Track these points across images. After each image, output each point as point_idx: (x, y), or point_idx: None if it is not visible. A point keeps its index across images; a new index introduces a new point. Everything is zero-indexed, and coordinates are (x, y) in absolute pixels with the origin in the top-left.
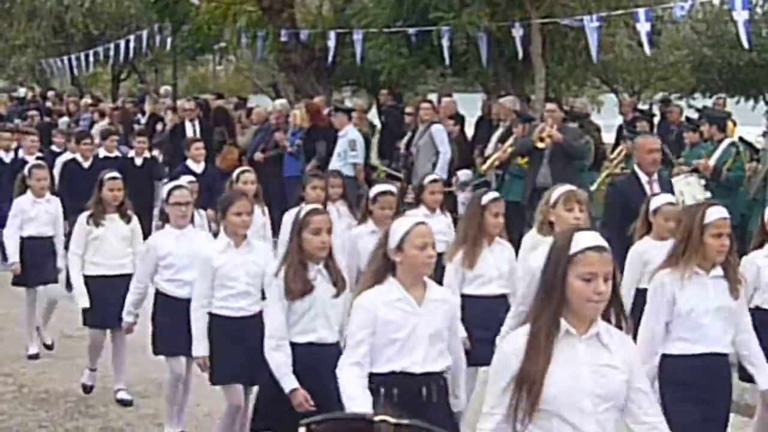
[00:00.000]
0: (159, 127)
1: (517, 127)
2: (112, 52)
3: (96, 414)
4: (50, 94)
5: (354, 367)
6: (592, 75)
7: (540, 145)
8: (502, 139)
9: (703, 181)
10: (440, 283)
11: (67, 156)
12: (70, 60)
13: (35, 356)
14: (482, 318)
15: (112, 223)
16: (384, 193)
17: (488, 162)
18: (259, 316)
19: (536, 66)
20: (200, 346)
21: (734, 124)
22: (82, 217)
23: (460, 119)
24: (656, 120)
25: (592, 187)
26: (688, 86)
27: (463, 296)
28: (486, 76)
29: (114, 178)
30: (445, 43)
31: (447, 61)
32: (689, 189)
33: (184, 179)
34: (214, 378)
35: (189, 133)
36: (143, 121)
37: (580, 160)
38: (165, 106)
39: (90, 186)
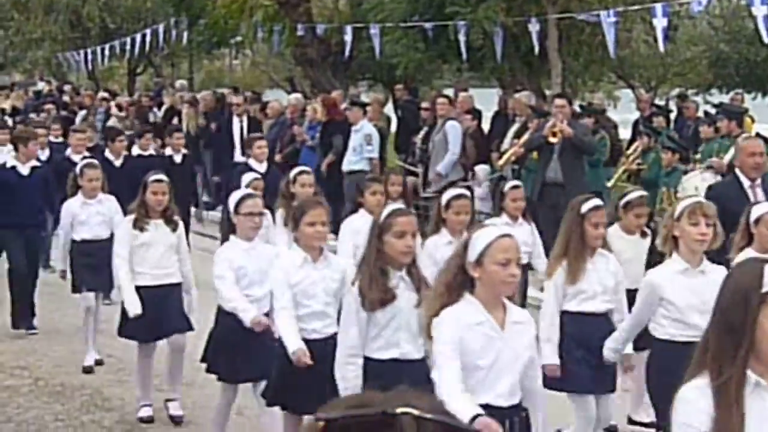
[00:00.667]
0: (175, 121)
1: (532, 122)
2: (128, 46)
3: (112, 407)
4: (67, 87)
5: (463, 392)
6: (609, 70)
7: (552, 140)
8: (518, 135)
9: (718, 177)
10: (524, 296)
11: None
12: (86, 54)
13: (90, 369)
14: (583, 338)
15: (157, 229)
16: (458, 197)
17: (504, 157)
18: (333, 338)
19: (552, 61)
20: (293, 341)
21: (752, 120)
22: (127, 221)
23: (477, 114)
24: (673, 116)
25: (609, 183)
26: (705, 82)
27: (563, 313)
28: (502, 71)
29: (158, 180)
30: (461, 37)
31: (463, 56)
32: (704, 184)
33: (248, 177)
34: (268, 397)
35: (236, 129)
36: (159, 114)
37: (590, 155)
38: (182, 100)
39: (122, 185)
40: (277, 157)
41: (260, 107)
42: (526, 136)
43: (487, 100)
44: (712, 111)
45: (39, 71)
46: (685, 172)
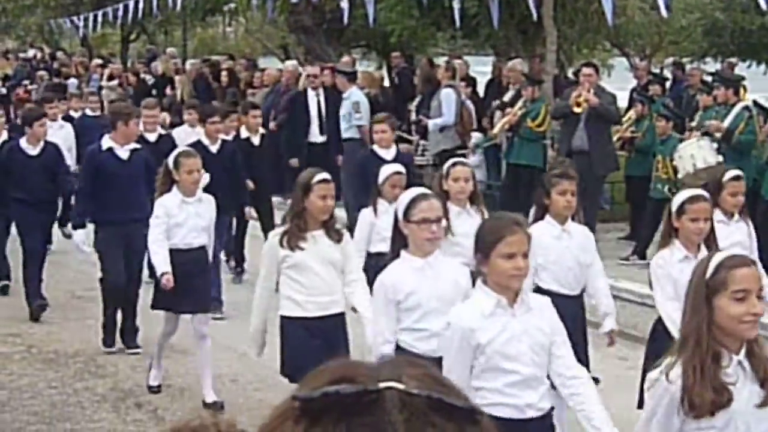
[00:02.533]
0: (168, 91)
1: (526, 89)
2: (121, 13)
3: (105, 374)
4: (59, 54)
5: None
6: (603, 38)
7: (576, 110)
8: (512, 102)
9: (715, 145)
10: None
11: (184, 133)
12: (79, 20)
13: (157, 389)
14: None
15: (315, 243)
16: (456, 164)
17: (498, 125)
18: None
19: (547, 29)
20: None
21: (744, 89)
22: (273, 238)
23: (471, 82)
24: (668, 84)
25: None
26: (700, 50)
27: None
28: (497, 38)
29: (326, 180)
30: (456, 5)
31: (458, 24)
32: (701, 152)
33: (388, 170)
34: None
35: (313, 105)
36: (150, 82)
37: (615, 124)
38: (175, 67)
39: (216, 177)
40: (272, 125)
41: (252, 74)
42: (519, 104)
43: (482, 67)
44: (709, 79)
45: (31, 38)
46: (681, 141)
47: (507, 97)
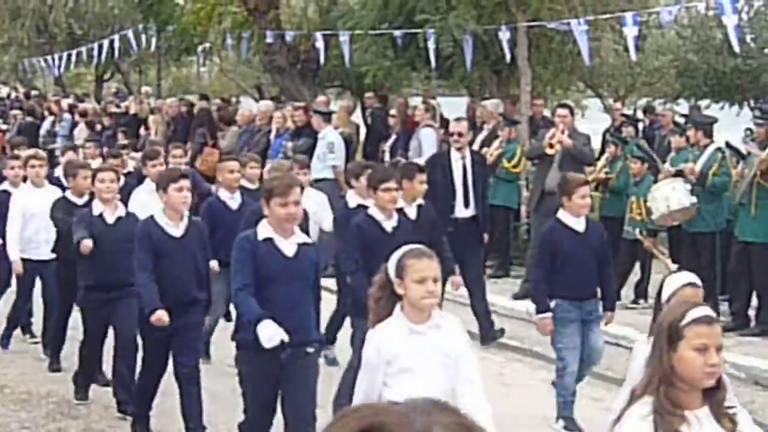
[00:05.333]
0: (142, 131)
1: (503, 130)
2: (95, 52)
3: (78, 415)
4: (33, 93)
5: None
6: (577, 79)
7: (550, 151)
8: (487, 142)
9: (689, 186)
10: None
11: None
12: (53, 60)
13: None
14: None
15: None
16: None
17: None
18: None
19: (522, 69)
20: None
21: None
22: None
23: (445, 123)
24: (641, 125)
25: None
26: (673, 92)
27: None
28: (471, 79)
29: None
30: (431, 45)
31: (433, 64)
32: (675, 194)
33: None
34: None
35: (457, 169)
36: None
37: (588, 165)
38: (150, 107)
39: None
40: None
41: (226, 112)
42: (495, 144)
43: (456, 109)
44: (681, 120)
45: (4, 77)
46: (655, 181)
47: (479, 138)
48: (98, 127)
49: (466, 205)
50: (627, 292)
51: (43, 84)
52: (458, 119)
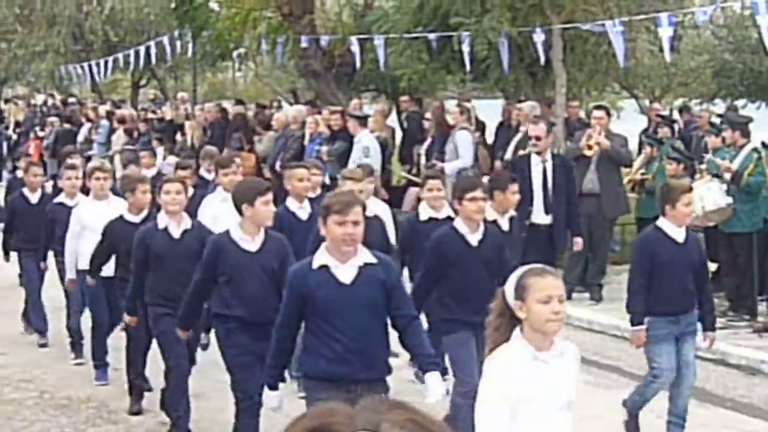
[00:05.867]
0: (178, 137)
1: None
2: (131, 59)
3: (118, 420)
4: (70, 100)
5: None
6: (613, 80)
7: (588, 152)
8: (522, 145)
9: (724, 186)
10: None
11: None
12: (89, 66)
13: None
14: None
15: None
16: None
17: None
18: None
19: (557, 71)
20: None
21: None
22: None
23: (481, 126)
24: (677, 126)
25: None
26: (709, 92)
27: None
28: (506, 81)
29: None
30: (465, 48)
31: (467, 67)
32: (710, 194)
33: None
34: None
35: (537, 174)
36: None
37: (626, 166)
38: (186, 112)
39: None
40: (277, 166)
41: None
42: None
43: (491, 111)
44: (717, 121)
45: (38, 85)
46: (692, 182)
47: (515, 141)
48: (135, 133)
49: (546, 211)
50: None
51: (79, 91)
52: (536, 122)
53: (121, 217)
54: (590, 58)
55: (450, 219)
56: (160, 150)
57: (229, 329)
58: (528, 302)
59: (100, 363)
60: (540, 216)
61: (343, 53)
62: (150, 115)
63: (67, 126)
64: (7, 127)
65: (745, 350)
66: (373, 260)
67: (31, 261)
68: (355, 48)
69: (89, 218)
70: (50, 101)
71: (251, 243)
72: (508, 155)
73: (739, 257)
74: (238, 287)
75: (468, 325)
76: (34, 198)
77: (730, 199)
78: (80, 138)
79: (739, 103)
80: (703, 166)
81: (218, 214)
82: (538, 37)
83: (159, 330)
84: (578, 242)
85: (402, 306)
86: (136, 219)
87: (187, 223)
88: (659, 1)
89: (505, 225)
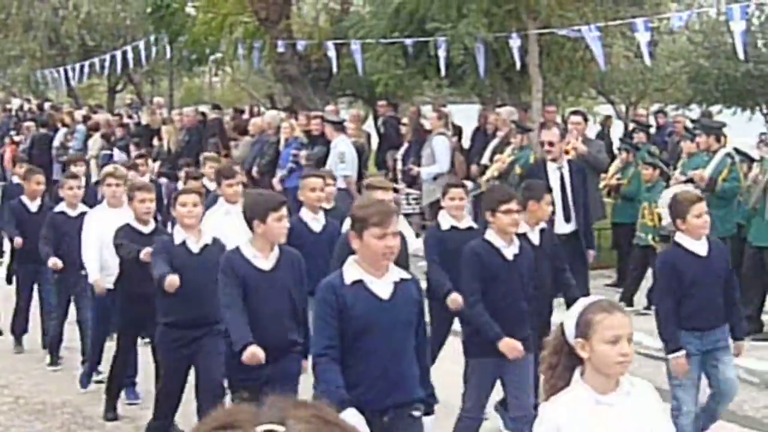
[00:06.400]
0: (155, 141)
1: (515, 137)
2: (107, 63)
3: (93, 426)
4: (47, 105)
5: None
6: (589, 86)
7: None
8: (499, 150)
9: (698, 191)
10: None
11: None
12: (65, 71)
13: None
14: None
15: None
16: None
17: (488, 173)
18: None
19: (533, 76)
20: None
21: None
22: None
23: (458, 131)
24: (652, 131)
25: None
26: (685, 97)
27: None
28: (483, 86)
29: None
30: (441, 53)
31: (443, 72)
32: None
33: None
34: None
35: (554, 180)
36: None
37: (602, 172)
38: (162, 117)
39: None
40: (254, 171)
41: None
42: (508, 151)
43: (467, 116)
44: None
45: (14, 89)
46: (667, 187)
47: (492, 146)
48: (111, 138)
49: (567, 219)
50: (640, 298)
51: (56, 95)
52: (548, 126)
53: (129, 225)
54: (566, 63)
55: (471, 229)
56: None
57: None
58: (592, 341)
59: (128, 381)
60: (561, 225)
61: (319, 58)
62: (126, 120)
63: (43, 131)
64: None
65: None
66: (407, 276)
67: (24, 268)
68: (332, 53)
69: (102, 227)
70: (26, 106)
71: (265, 261)
72: (485, 160)
73: None
74: (251, 309)
75: (494, 349)
76: (33, 206)
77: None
78: (56, 143)
79: (715, 108)
80: (677, 171)
81: (220, 227)
82: (515, 42)
83: (164, 357)
84: (590, 254)
85: (420, 333)
86: (145, 230)
87: (207, 237)
88: (635, 7)
89: (535, 239)
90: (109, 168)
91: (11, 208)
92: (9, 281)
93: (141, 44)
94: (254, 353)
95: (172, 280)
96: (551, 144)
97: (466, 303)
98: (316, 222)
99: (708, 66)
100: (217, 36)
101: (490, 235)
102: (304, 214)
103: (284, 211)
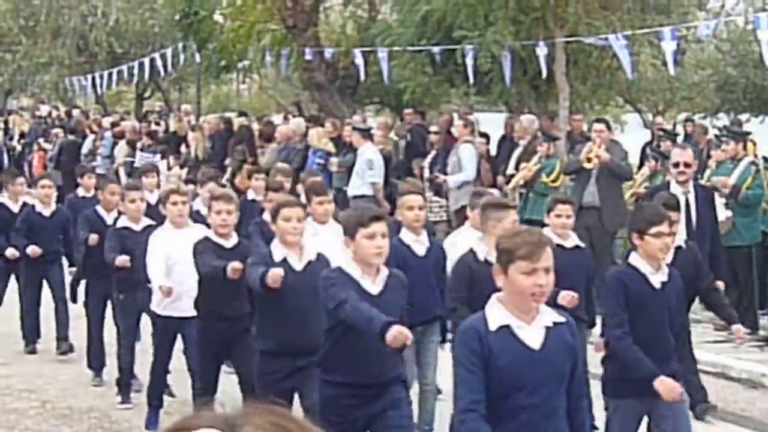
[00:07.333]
0: (183, 148)
1: (541, 145)
2: (136, 71)
3: (119, 429)
4: (76, 112)
5: None
6: (616, 94)
7: (588, 165)
8: (524, 158)
9: (723, 200)
10: None
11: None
12: (93, 78)
13: None
14: None
15: None
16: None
17: (513, 181)
18: None
19: (560, 85)
20: None
21: (753, 143)
22: None
23: (485, 139)
24: (680, 139)
25: None
26: (713, 106)
27: None
28: (509, 94)
29: None
30: (469, 61)
31: (471, 80)
32: None
33: None
34: None
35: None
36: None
37: (626, 180)
38: (189, 124)
39: None
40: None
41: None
42: (534, 160)
43: (494, 124)
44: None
45: (42, 96)
46: None
47: (516, 154)
48: (138, 145)
49: None
50: None
51: (84, 103)
52: (683, 146)
53: (207, 238)
54: (593, 71)
55: (578, 248)
56: (163, 163)
57: (336, 395)
58: None
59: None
60: None
61: (346, 66)
62: (153, 127)
63: (71, 137)
64: (11, 138)
65: (746, 363)
66: (561, 319)
67: (96, 287)
68: (359, 60)
69: (169, 250)
70: (54, 113)
71: (372, 284)
72: (510, 170)
73: (739, 271)
74: (353, 341)
75: (642, 389)
76: (110, 218)
77: (728, 213)
78: (84, 150)
79: (743, 117)
80: (704, 180)
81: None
82: (542, 50)
83: (262, 392)
84: (719, 285)
85: (576, 387)
86: (227, 244)
87: (310, 253)
88: (662, 15)
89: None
90: (171, 185)
91: (87, 220)
92: (74, 298)
93: (169, 51)
94: (400, 331)
95: (275, 274)
96: (687, 165)
97: (611, 336)
98: (419, 244)
99: (735, 75)
100: (244, 43)
101: (636, 260)
102: (405, 235)
103: (378, 226)
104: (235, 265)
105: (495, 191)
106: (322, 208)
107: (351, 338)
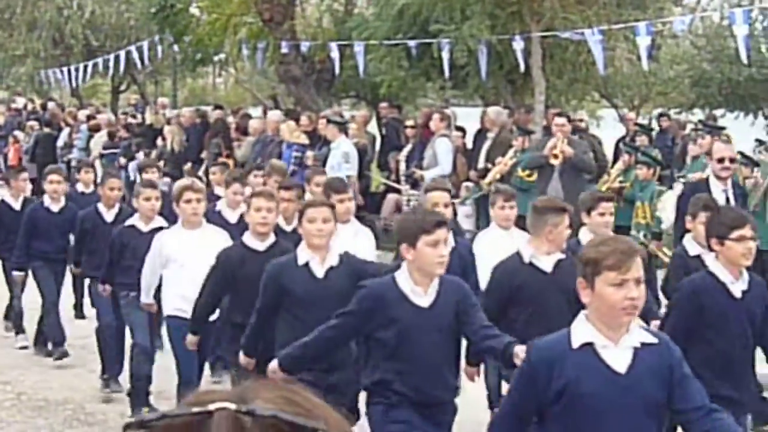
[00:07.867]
0: (158, 141)
1: (516, 139)
2: (111, 63)
3: (94, 422)
4: (51, 105)
5: None
6: (592, 89)
7: (554, 161)
8: (494, 150)
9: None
10: None
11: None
12: (69, 71)
13: None
14: None
15: None
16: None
17: (489, 175)
18: None
19: (536, 79)
20: None
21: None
22: None
23: (462, 132)
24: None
25: None
26: (688, 101)
27: None
28: (486, 89)
29: None
30: (445, 55)
31: (447, 74)
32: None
33: None
34: None
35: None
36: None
37: (589, 173)
38: (165, 118)
39: None
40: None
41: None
42: (510, 154)
43: (470, 119)
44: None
45: (20, 88)
46: (661, 188)
47: (485, 147)
48: (115, 138)
49: None
50: None
51: (59, 95)
52: (726, 141)
53: (242, 243)
54: (569, 66)
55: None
56: (140, 155)
57: (390, 406)
58: None
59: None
60: None
61: (323, 59)
62: (130, 120)
63: (46, 130)
64: None
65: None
66: (653, 340)
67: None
68: (335, 54)
69: (177, 250)
70: (30, 105)
71: (423, 296)
72: (480, 164)
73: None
74: (403, 355)
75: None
76: (110, 216)
77: None
78: (60, 143)
79: (718, 112)
80: (681, 173)
81: None
82: (518, 44)
83: None
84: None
85: (701, 415)
86: (260, 247)
87: (333, 258)
88: (638, 11)
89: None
90: (185, 181)
91: (84, 219)
92: (79, 312)
93: (145, 44)
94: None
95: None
96: (732, 161)
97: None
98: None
99: (711, 70)
100: (221, 36)
101: (716, 267)
102: None
103: (442, 234)
104: (191, 338)
105: (469, 184)
106: (343, 206)
107: (398, 351)
